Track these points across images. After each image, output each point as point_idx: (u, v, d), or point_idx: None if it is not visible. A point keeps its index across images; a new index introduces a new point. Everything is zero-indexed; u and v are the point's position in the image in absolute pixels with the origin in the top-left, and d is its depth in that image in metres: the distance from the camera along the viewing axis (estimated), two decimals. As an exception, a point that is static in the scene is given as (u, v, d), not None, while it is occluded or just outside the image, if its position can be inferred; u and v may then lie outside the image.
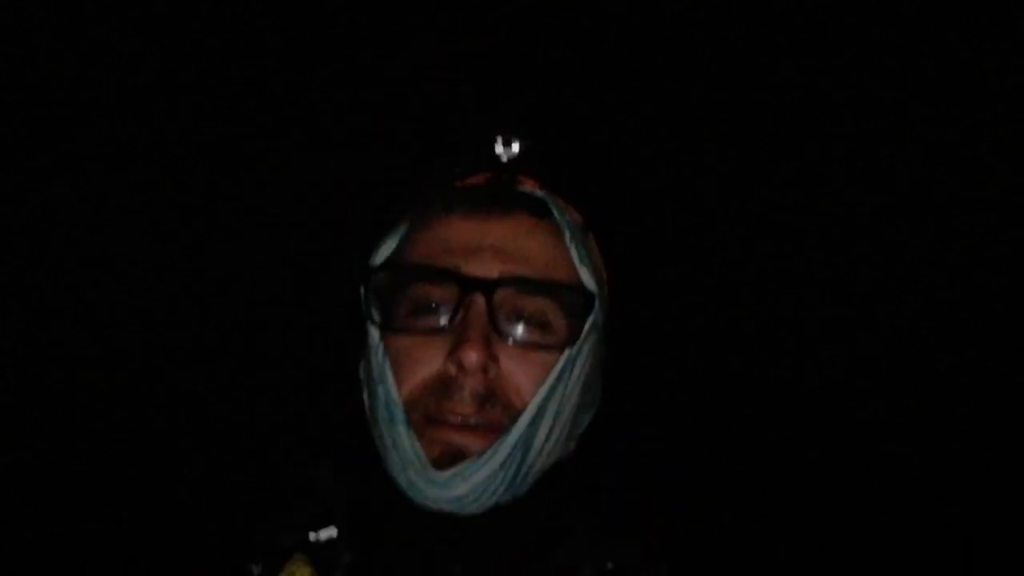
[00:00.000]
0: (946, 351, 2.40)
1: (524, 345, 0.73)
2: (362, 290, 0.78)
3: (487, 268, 0.73)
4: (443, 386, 0.71)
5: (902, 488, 2.32)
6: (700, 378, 2.41)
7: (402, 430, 0.71)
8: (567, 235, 0.79)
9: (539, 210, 0.79)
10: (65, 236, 2.16)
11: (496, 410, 0.71)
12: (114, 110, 2.14)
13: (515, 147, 0.83)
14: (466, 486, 0.69)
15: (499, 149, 0.83)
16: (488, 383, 0.71)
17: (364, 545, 0.75)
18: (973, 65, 2.29)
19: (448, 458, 0.70)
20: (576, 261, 0.78)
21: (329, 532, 0.78)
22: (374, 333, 0.77)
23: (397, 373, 0.73)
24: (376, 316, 0.77)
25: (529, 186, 0.82)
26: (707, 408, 2.38)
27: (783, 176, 2.43)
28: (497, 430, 0.71)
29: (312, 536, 0.78)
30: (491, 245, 0.75)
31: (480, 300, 0.71)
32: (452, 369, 0.70)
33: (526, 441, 0.72)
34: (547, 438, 0.74)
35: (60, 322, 2.14)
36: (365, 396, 0.79)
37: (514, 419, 0.71)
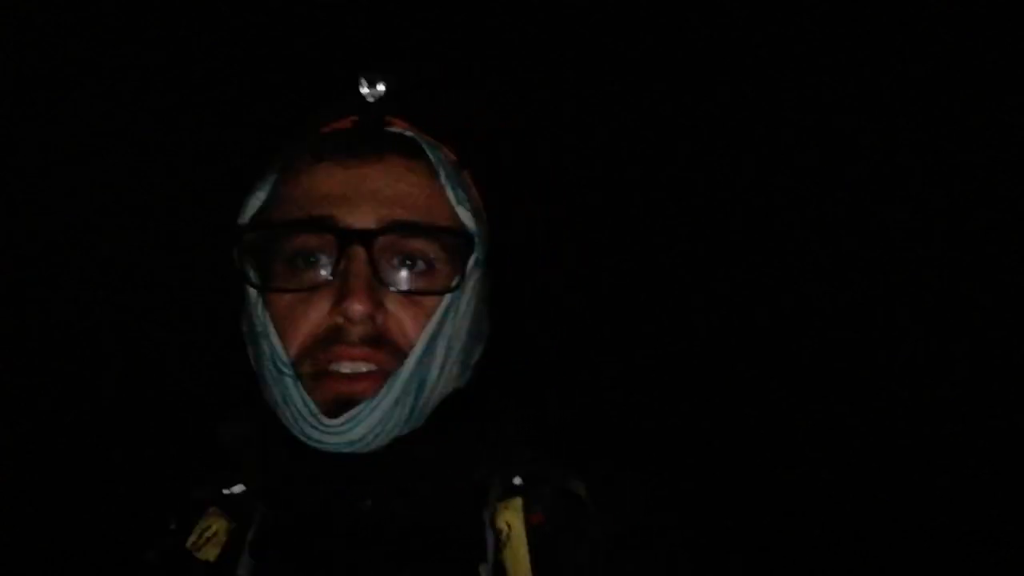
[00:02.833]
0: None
1: (408, 292, 0.73)
2: (234, 251, 0.75)
3: (364, 217, 0.71)
4: (330, 336, 0.70)
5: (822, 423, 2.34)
6: (588, 299, 2.40)
7: (290, 383, 0.70)
8: (442, 175, 0.77)
9: (411, 151, 0.77)
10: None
11: (384, 353, 0.71)
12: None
13: (380, 87, 0.79)
14: (361, 429, 0.69)
15: (364, 89, 0.79)
16: (376, 329, 0.70)
17: (275, 496, 0.75)
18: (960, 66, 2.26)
19: (339, 406, 0.69)
20: (453, 201, 0.77)
21: (239, 487, 0.78)
22: (251, 292, 0.75)
23: (281, 330, 0.72)
24: (252, 277, 0.75)
25: (398, 126, 0.80)
26: (600, 327, 2.38)
27: (660, 92, 2.41)
28: (386, 374, 0.71)
29: (224, 491, 0.78)
30: (366, 191, 0.73)
31: (360, 251, 0.70)
32: (339, 320, 0.69)
33: (419, 378, 0.72)
34: (440, 373, 0.74)
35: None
36: (251, 352, 0.77)
37: (403, 359, 0.71)
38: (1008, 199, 2.28)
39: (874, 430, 2.35)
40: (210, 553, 0.74)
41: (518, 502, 0.73)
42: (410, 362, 0.71)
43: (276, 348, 0.72)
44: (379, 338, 0.70)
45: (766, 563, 2.09)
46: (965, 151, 2.32)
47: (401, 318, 0.72)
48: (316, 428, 0.69)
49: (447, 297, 0.74)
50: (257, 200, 0.78)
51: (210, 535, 0.75)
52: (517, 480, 0.75)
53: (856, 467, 2.30)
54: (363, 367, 0.70)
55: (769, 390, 2.41)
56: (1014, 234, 2.26)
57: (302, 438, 0.70)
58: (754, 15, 2.31)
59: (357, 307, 0.68)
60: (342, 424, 0.69)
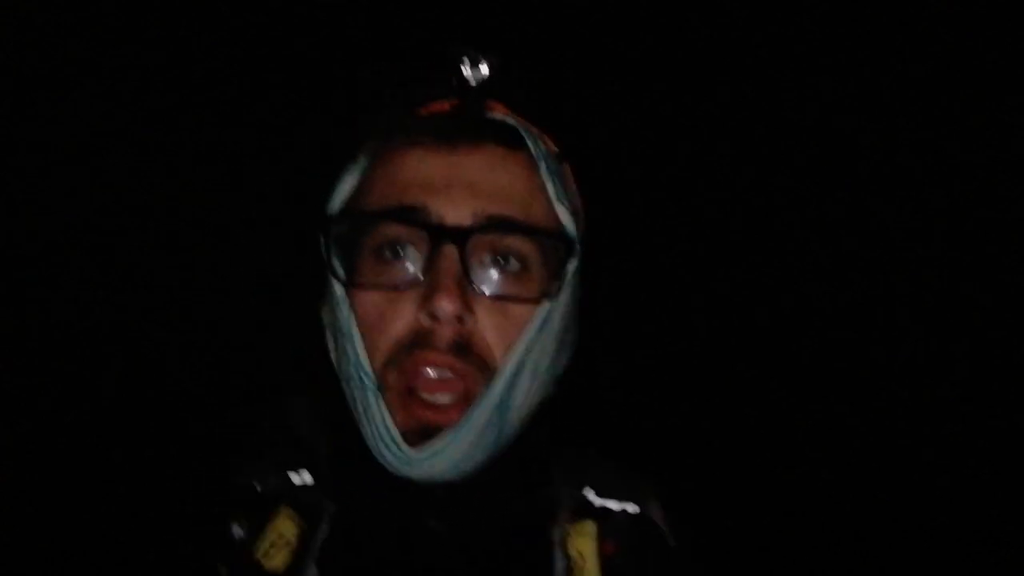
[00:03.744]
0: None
1: (500, 297, 0.67)
2: (321, 239, 0.71)
3: (459, 209, 0.66)
4: (417, 339, 0.66)
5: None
6: (680, 309, 2.38)
7: (372, 400, 0.66)
8: (542, 167, 0.71)
9: (511, 140, 0.71)
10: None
11: (471, 367, 0.66)
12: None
13: (484, 68, 0.73)
14: (443, 463, 0.65)
15: (466, 71, 0.73)
16: (464, 334, 0.66)
17: (346, 496, 0.71)
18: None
19: (422, 434, 0.65)
20: (553, 197, 0.71)
21: (307, 476, 0.74)
22: (337, 288, 0.70)
23: (366, 334, 0.68)
24: (339, 270, 0.70)
25: (499, 112, 0.74)
26: (687, 339, 2.36)
27: (762, 99, 2.39)
28: (470, 397, 0.66)
29: (293, 478, 0.73)
30: (462, 181, 0.68)
31: (452, 249, 0.65)
32: (425, 320, 0.65)
33: (503, 403, 0.67)
34: (525, 394, 0.69)
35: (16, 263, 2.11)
36: (330, 342, 0.73)
37: (489, 381, 0.67)
38: (1008, 199, 2.28)
39: (874, 430, 2.34)
40: (279, 560, 0.69)
41: (591, 528, 0.70)
42: (496, 385, 0.66)
43: (360, 356, 0.67)
44: (466, 347, 0.66)
45: (766, 563, 2.08)
46: (965, 151, 2.32)
47: (490, 328, 0.67)
48: (396, 456, 0.65)
49: (540, 308, 0.69)
50: (348, 183, 0.73)
51: (282, 543, 0.70)
52: (589, 494, 0.72)
53: (856, 467, 2.30)
54: (447, 397, 0.65)
55: (769, 390, 2.41)
56: (1014, 234, 2.26)
57: (379, 460, 0.66)
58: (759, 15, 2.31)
59: (446, 306, 0.63)
60: (424, 456, 0.64)
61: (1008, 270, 2.27)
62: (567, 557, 0.69)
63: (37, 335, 2.12)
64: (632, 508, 0.72)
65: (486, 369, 0.67)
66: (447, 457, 0.65)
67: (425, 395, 0.65)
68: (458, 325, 0.65)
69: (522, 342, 0.68)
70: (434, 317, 0.64)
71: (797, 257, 2.45)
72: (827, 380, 2.40)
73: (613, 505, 0.72)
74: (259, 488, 0.73)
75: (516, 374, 0.68)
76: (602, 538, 0.69)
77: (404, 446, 0.65)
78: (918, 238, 2.39)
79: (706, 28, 2.33)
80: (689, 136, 2.43)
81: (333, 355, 0.72)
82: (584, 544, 0.69)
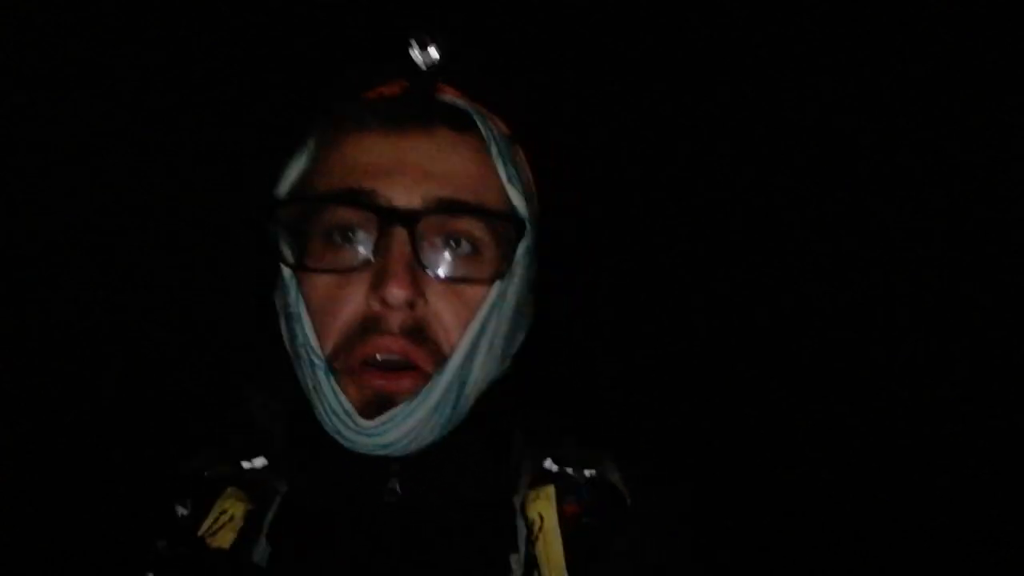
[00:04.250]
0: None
1: (451, 280, 0.68)
2: (269, 224, 0.71)
3: (408, 193, 0.67)
4: (367, 326, 0.66)
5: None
6: (680, 309, 2.38)
7: (322, 378, 0.67)
8: (493, 150, 0.72)
9: (461, 122, 0.72)
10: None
11: (424, 349, 0.66)
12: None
13: (433, 51, 0.73)
14: (397, 432, 0.65)
15: (415, 54, 0.73)
16: (416, 319, 0.66)
17: (298, 475, 0.72)
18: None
19: (375, 406, 0.65)
20: (504, 180, 0.72)
21: (260, 461, 0.74)
22: (286, 271, 0.70)
23: (316, 317, 0.68)
24: (288, 254, 0.70)
25: (450, 95, 0.75)
26: (642, 313, 2.36)
27: (659, 92, 2.35)
28: (426, 375, 0.67)
29: (245, 464, 0.74)
30: (411, 165, 0.68)
31: (402, 232, 0.65)
32: (376, 306, 0.65)
33: (459, 381, 0.68)
34: (481, 372, 0.70)
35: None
36: (282, 327, 0.73)
37: (443, 362, 0.67)
38: (1008, 199, 2.28)
39: (874, 430, 2.34)
40: (225, 539, 0.69)
41: (550, 491, 0.70)
42: (452, 363, 0.67)
43: (309, 339, 0.68)
44: (418, 331, 0.66)
45: (765, 563, 2.08)
46: (965, 151, 2.32)
47: (442, 311, 0.67)
48: (349, 428, 0.65)
49: (492, 288, 0.69)
50: (295, 169, 0.74)
51: (226, 519, 0.70)
52: (547, 463, 0.73)
53: (856, 467, 2.30)
54: (398, 357, 0.66)
55: (769, 390, 2.40)
56: (1014, 234, 2.26)
57: (333, 435, 0.67)
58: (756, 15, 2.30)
59: (396, 291, 0.64)
60: (376, 427, 0.65)
61: (1008, 270, 2.27)
62: (527, 521, 0.69)
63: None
64: (589, 472, 0.73)
65: (439, 353, 0.67)
66: (401, 428, 0.65)
67: (377, 360, 0.66)
68: (409, 310, 0.65)
69: (475, 323, 0.68)
70: (384, 303, 0.64)
71: (797, 257, 2.45)
72: (827, 380, 2.40)
73: (570, 471, 0.73)
74: (207, 474, 0.74)
75: (470, 354, 0.68)
76: (561, 500, 0.70)
77: (357, 417, 0.65)
78: (918, 238, 2.39)
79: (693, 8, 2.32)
80: (690, 133, 2.42)
81: (285, 339, 0.72)
82: (543, 506, 0.69)
